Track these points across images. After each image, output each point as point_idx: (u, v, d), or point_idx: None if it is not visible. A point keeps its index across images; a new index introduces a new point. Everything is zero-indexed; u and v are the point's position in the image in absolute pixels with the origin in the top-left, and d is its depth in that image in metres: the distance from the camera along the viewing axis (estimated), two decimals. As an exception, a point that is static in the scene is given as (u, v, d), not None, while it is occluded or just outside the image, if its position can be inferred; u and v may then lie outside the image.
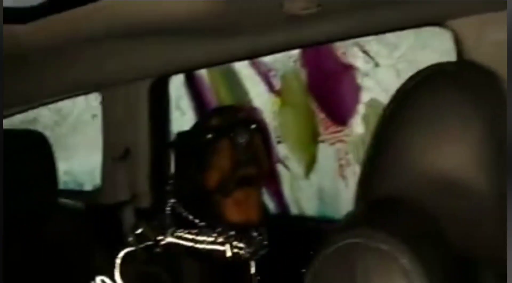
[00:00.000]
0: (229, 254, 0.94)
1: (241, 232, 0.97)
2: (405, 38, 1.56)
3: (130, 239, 0.99)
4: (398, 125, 0.56)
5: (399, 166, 0.55)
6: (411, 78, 0.58)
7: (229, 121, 0.97)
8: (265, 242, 1.02)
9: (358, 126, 1.78)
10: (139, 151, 1.69)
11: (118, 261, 0.98)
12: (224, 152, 0.93)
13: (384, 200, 0.54)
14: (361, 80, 1.76)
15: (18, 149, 1.41)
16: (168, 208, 0.97)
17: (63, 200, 1.53)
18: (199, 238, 0.93)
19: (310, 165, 1.91)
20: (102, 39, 1.26)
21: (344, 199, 1.79)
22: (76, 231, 1.49)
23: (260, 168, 0.96)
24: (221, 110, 1.03)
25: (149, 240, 0.96)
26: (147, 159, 1.70)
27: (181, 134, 1.09)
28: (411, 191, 0.54)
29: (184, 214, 0.96)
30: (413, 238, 0.47)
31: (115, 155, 1.70)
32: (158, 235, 0.95)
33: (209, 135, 0.94)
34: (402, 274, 0.44)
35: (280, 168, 1.96)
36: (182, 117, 2.09)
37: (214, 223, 0.95)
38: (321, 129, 1.87)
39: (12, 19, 1.16)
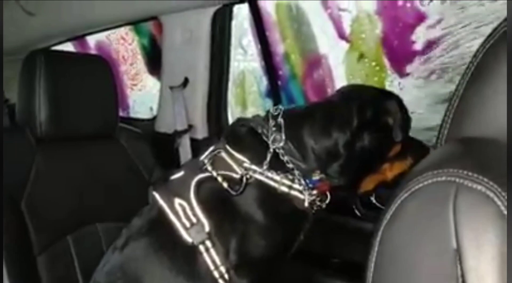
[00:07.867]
0: (306, 204, 0.96)
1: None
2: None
3: (208, 166, 0.97)
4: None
5: (493, 109, 0.50)
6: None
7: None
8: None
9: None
10: (198, 81, 1.64)
11: (193, 184, 0.97)
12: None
13: (475, 141, 0.49)
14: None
15: (83, 72, 1.42)
16: (271, 151, 0.96)
17: (122, 125, 1.54)
18: (285, 181, 0.95)
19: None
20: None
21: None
22: (134, 153, 1.52)
23: None
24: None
25: (232, 171, 0.96)
26: (205, 90, 1.65)
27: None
28: (501, 137, 0.48)
29: (288, 159, 0.96)
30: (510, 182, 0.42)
31: (173, 84, 1.68)
32: (245, 170, 0.95)
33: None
34: (497, 216, 0.40)
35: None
36: (244, 56, 2.02)
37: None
38: (387, 83, 1.75)
39: None
